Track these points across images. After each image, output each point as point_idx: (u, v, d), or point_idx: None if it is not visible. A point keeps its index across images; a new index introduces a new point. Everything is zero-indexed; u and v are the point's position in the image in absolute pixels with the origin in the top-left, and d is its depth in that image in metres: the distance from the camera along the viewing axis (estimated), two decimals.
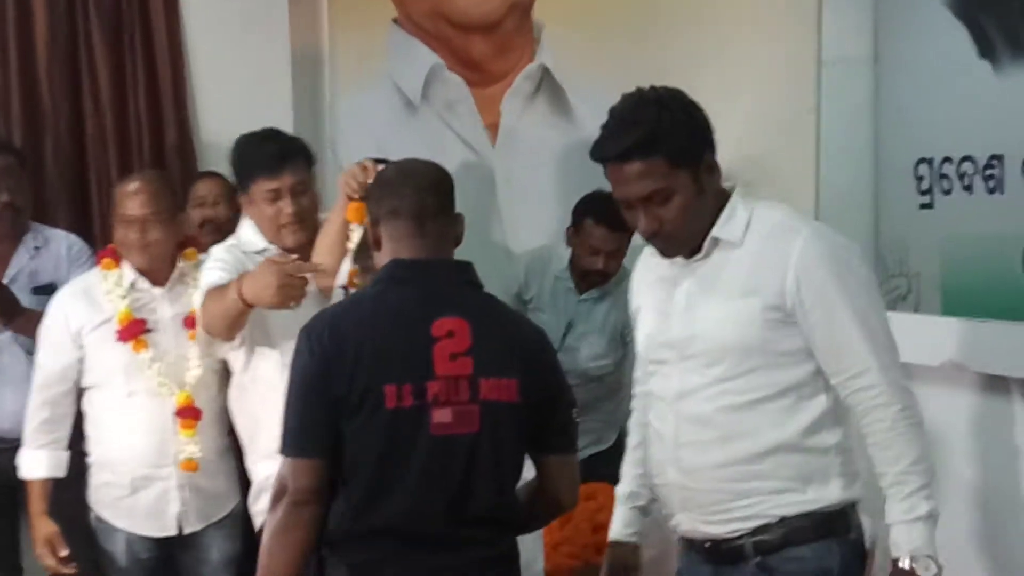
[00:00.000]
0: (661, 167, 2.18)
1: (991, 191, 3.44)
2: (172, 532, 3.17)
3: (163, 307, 3.15)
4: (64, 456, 3.15)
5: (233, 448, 3.21)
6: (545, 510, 2.45)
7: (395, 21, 4.46)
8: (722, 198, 2.26)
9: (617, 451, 3.89)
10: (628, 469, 2.54)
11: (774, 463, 2.21)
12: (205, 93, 4.20)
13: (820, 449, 2.22)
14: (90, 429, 3.18)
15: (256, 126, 4.17)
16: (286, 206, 3.01)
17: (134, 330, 3.10)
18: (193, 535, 3.19)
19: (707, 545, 2.30)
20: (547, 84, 4.31)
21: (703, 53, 3.99)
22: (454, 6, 4.35)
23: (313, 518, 2.23)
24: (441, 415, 2.22)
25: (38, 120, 3.91)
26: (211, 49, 4.19)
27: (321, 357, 2.23)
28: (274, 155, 3.04)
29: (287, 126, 4.30)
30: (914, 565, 2.13)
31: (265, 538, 2.27)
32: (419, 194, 2.33)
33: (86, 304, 3.15)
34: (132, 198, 3.11)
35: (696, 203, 2.21)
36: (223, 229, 3.45)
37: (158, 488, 3.12)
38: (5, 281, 3.37)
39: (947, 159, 3.60)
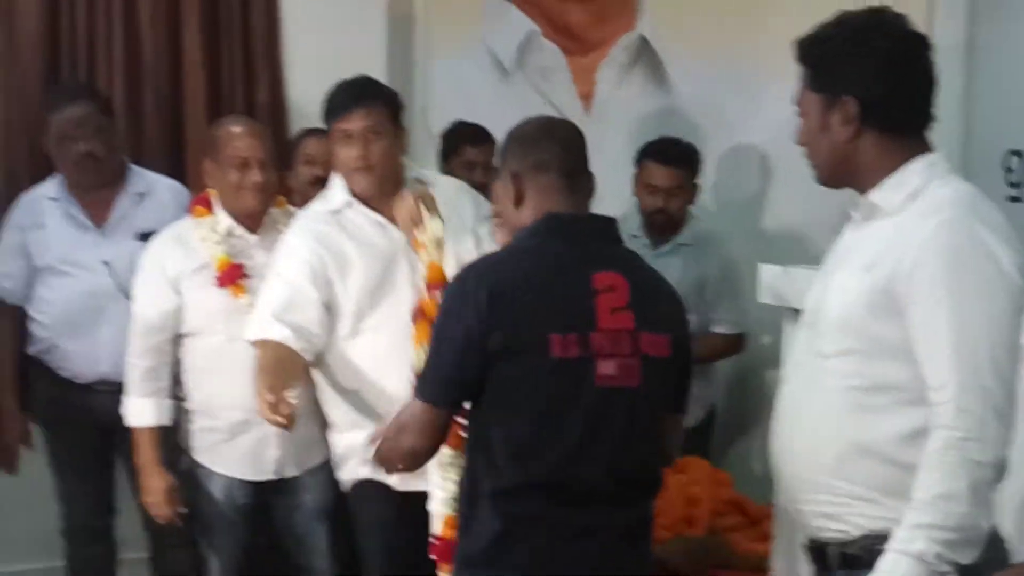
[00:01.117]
0: (802, 79, 2.09)
1: None
2: (271, 476, 3.18)
3: (258, 254, 3.14)
4: (168, 404, 3.18)
5: None
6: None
7: None
8: (903, 159, 2.03)
9: (705, 431, 3.90)
10: None
11: (859, 467, 2.00)
12: (298, 52, 4.21)
13: (913, 467, 1.93)
14: (188, 375, 3.20)
15: None
16: (355, 147, 2.95)
17: (233, 275, 3.11)
18: (289, 480, 3.20)
19: (806, 544, 2.18)
20: (645, 55, 4.25)
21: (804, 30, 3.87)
22: None
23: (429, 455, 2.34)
24: (606, 367, 2.21)
25: (139, 72, 3.94)
26: (306, 7, 4.19)
27: (477, 306, 2.20)
28: (350, 95, 2.99)
29: None
30: None
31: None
32: (567, 149, 2.35)
33: (182, 251, 3.16)
34: (240, 139, 3.12)
35: (819, 136, 2.06)
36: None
37: (257, 433, 3.10)
38: (107, 226, 3.41)
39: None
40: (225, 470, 3.19)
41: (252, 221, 3.17)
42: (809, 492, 2.07)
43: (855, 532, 2.02)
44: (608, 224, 2.39)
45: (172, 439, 3.23)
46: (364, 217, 3.00)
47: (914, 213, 1.98)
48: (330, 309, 2.94)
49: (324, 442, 3.15)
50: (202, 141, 3.88)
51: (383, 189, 2.98)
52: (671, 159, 3.80)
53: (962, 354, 1.88)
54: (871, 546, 1.97)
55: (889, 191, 2.02)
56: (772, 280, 2.96)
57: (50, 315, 3.42)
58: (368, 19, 4.32)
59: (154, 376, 3.16)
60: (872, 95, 2.01)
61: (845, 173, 2.08)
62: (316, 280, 2.91)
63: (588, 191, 2.38)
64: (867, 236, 2.04)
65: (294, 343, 2.83)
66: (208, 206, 3.19)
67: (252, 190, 3.11)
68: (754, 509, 3.31)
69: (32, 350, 3.48)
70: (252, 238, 3.17)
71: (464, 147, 3.95)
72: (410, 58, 4.54)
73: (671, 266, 3.83)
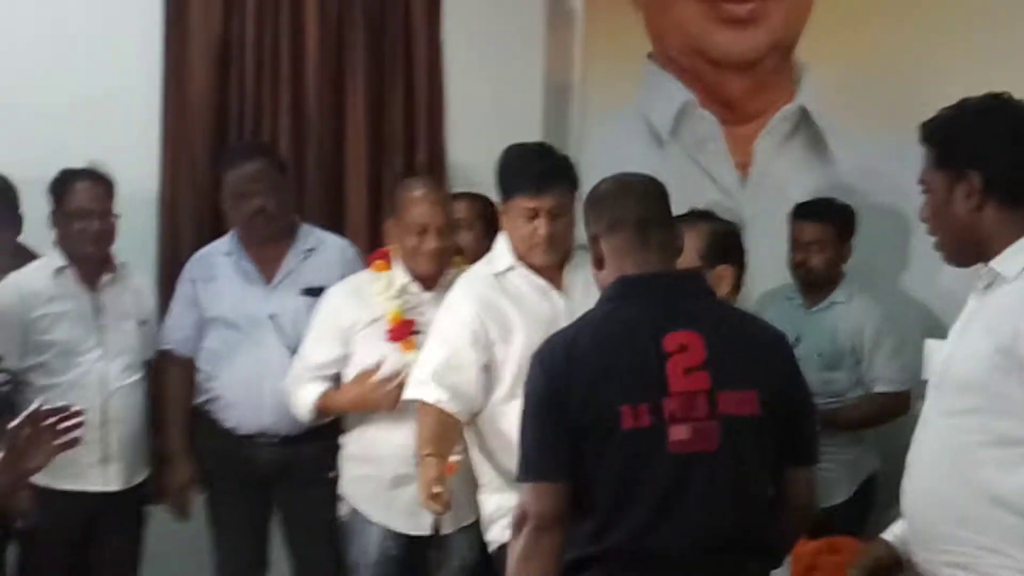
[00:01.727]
0: (929, 158, 2.19)
1: None
2: (427, 532, 3.18)
3: (431, 311, 3.17)
4: None
5: None
6: (791, 523, 2.35)
7: (650, 56, 4.44)
8: (1021, 230, 2.14)
9: (857, 507, 3.77)
10: None
11: (987, 517, 2.06)
12: (458, 115, 4.27)
13: None
14: (353, 422, 3.26)
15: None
16: (541, 227, 2.98)
17: (404, 330, 3.17)
18: (443, 537, 3.20)
19: None
20: (805, 126, 4.19)
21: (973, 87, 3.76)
22: (713, 44, 4.30)
23: (556, 543, 2.19)
24: (678, 432, 2.16)
25: (303, 133, 4.05)
26: (467, 71, 4.27)
27: (554, 380, 2.20)
28: (539, 174, 3.01)
29: None
30: None
31: (510, 566, 2.24)
32: (641, 204, 2.30)
33: (357, 302, 3.23)
34: (420, 204, 3.20)
35: (944, 211, 2.17)
36: (474, 251, 3.44)
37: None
38: (274, 282, 3.49)
39: None
40: (383, 519, 3.20)
41: (429, 280, 3.23)
42: (940, 543, 2.13)
43: None
44: (689, 278, 2.35)
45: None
46: (526, 280, 3.03)
47: None
48: (490, 371, 2.96)
49: (476, 503, 3.15)
50: (361, 200, 4.00)
51: (559, 261, 3.05)
52: (813, 214, 3.81)
53: None
54: None
55: (1009, 260, 2.13)
56: (938, 355, 2.87)
57: (217, 366, 3.50)
58: (527, 84, 4.39)
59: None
60: (994, 169, 2.13)
61: (969, 246, 2.19)
62: (476, 342, 2.94)
63: (666, 245, 2.31)
64: (989, 302, 2.14)
65: (449, 405, 2.87)
66: (388, 261, 3.26)
67: (428, 255, 3.18)
68: None
69: (197, 400, 3.56)
70: (426, 295, 3.22)
71: None
72: (566, 123, 4.58)
73: (825, 324, 3.78)
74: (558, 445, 2.18)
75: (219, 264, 3.56)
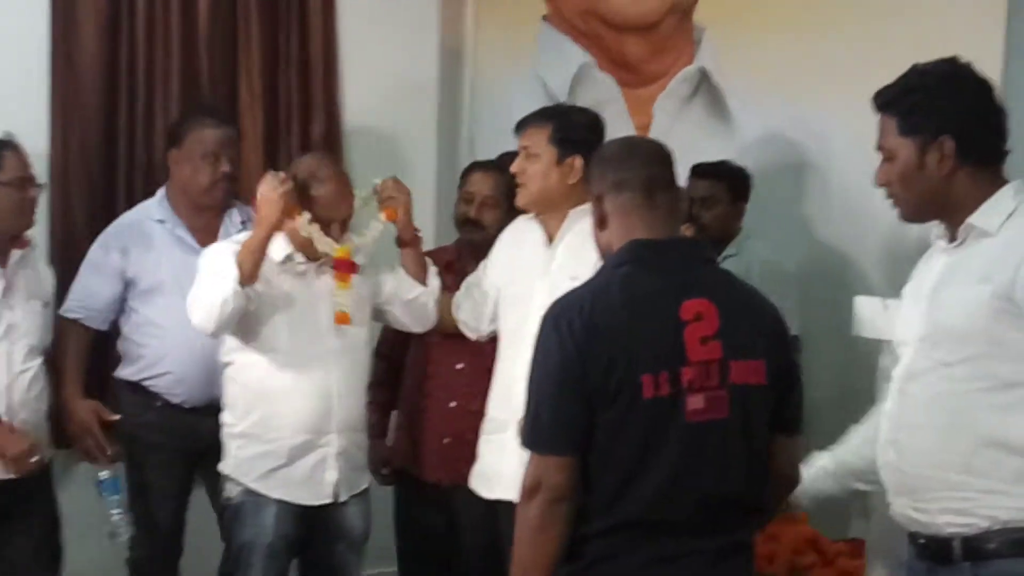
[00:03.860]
0: (890, 126, 2.23)
1: None
2: (328, 499, 3.14)
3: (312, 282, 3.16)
4: None
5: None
6: (775, 489, 2.36)
7: (545, 18, 4.43)
8: (992, 187, 2.22)
9: None
10: (848, 436, 2.53)
11: (989, 460, 2.12)
12: (354, 81, 4.21)
13: None
14: (239, 400, 3.14)
15: (402, 118, 4.25)
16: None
17: (347, 267, 3.13)
18: (341, 505, 3.16)
19: (921, 541, 2.24)
20: (705, 88, 4.23)
21: (874, 57, 3.75)
22: (609, 5, 4.32)
23: (568, 514, 2.17)
24: (695, 401, 2.16)
25: (197, 97, 3.93)
26: (361, 41, 4.20)
27: (574, 348, 2.15)
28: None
29: (431, 119, 4.36)
30: None
31: (519, 536, 2.21)
32: (647, 165, 2.29)
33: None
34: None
35: (915, 176, 2.22)
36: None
37: (317, 455, 3.10)
38: None
39: None
40: (283, 496, 3.12)
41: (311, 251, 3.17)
42: (937, 492, 2.18)
43: (984, 524, 2.13)
44: (698, 246, 2.35)
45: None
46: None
47: (1018, 228, 2.18)
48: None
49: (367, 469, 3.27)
50: (259, 167, 3.90)
51: None
52: (705, 171, 3.90)
53: None
54: (1002, 536, 2.11)
55: (988, 215, 2.20)
56: (870, 313, 2.95)
57: (157, 338, 3.40)
58: (422, 52, 4.35)
59: None
60: (966, 133, 2.20)
61: (937, 207, 2.26)
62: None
63: (671, 208, 2.31)
64: (972, 255, 2.20)
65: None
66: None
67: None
68: (829, 547, 3.27)
69: (136, 376, 3.45)
70: (310, 265, 3.19)
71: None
72: (461, 90, 4.54)
73: None
74: (577, 417, 2.15)
75: (153, 232, 3.45)
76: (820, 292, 3.95)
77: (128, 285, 3.43)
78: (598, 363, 2.13)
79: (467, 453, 3.16)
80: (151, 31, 3.87)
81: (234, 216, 3.52)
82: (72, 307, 3.43)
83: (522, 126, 3.06)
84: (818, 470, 2.52)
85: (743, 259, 3.91)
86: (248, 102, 4.02)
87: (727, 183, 3.95)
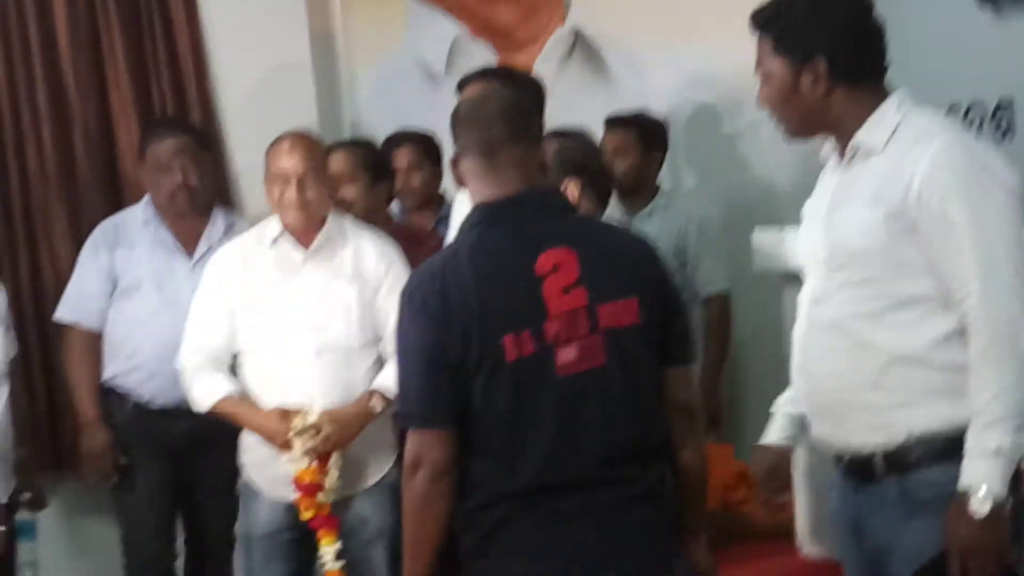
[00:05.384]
0: (765, 47, 2.23)
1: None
2: None
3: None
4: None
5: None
6: (678, 421, 2.30)
7: None
8: (874, 102, 2.20)
9: None
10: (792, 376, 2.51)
11: (896, 376, 2.14)
12: (227, 78, 4.16)
13: (949, 366, 2.11)
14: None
15: (282, 108, 4.20)
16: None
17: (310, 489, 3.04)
18: (340, 503, 3.06)
19: (845, 462, 2.27)
20: (580, 46, 4.22)
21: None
22: None
23: (451, 488, 2.17)
24: (566, 354, 2.13)
25: (65, 110, 3.90)
26: (228, 30, 4.14)
27: (428, 322, 2.14)
28: None
29: (310, 107, 4.32)
30: (970, 499, 2.04)
31: (406, 511, 2.21)
32: (488, 127, 2.23)
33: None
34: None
35: (792, 97, 2.21)
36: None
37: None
38: (196, 257, 3.48)
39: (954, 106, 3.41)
40: (271, 490, 3.08)
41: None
42: (851, 411, 2.21)
43: (901, 437, 2.16)
44: (550, 195, 2.31)
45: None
46: None
47: (904, 143, 2.16)
48: None
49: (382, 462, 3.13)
50: (135, 175, 3.86)
51: None
52: (615, 122, 3.88)
53: (981, 259, 2.07)
54: (921, 446, 2.14)
55: (872, 131, 2.20)
56: (769, 246, 2.94)
57: (137, 334, 3.43)
58: (292, 39, 4.28)
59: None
60: (839, 52, 2.19)
61: (819, 126, 2.27)
62: None
63: (523, 163, 2.23)
64: (861, 174, 2.21)
65: None
66: None
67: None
68: None
69: (110, 375, 3.47)
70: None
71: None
72: (335, 74, 4.52)
73: (646, 231, 3.84)
74: (443, 390, 2.14)
75: (137, 233, 3.52)
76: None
77: (114, 283, 3.47)
78: (454, 334, 2.12)
79: None
80: (8, 45, 3.82)
81: (218, 222, 3.57)
82: (67, 310, 3.48)
83: None
84: (790, 419, 2.47)
85: (674, 216, 3.89)
86: (121, 110, 3.96)
87: (636, 132, 3.90)
